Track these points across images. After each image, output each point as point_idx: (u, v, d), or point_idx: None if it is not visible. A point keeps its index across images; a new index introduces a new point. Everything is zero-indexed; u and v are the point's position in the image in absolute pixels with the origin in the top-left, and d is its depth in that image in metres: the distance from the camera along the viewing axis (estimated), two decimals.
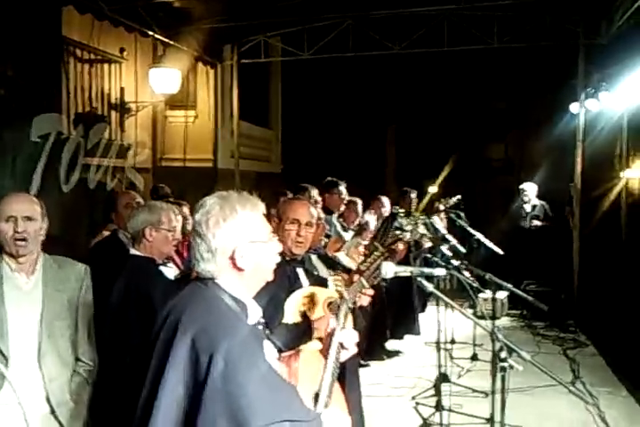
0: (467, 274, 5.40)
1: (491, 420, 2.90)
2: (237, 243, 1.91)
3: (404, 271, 2.58)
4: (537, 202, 9.92)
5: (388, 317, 6.61)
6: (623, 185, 11.21)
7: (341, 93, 13.07)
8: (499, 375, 2.46)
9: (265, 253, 1.98)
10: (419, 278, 2.61)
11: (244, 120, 10.80)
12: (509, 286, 4.36)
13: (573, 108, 9.06)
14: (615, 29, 8.02)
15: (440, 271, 2.72)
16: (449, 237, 6.75)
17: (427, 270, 2.69)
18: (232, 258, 1.92)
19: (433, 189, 10.26)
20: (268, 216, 2.19)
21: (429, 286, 2.60)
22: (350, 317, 2.53)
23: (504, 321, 8.61)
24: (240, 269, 1.94)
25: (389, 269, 2.51)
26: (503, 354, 2.42)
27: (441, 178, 12.17)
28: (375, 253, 2.64)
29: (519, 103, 15.02)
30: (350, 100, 13.30)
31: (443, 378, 5.56)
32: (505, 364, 2.40)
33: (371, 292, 2.64)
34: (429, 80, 13.12)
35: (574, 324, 8.16)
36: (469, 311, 8.24)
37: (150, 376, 1.83)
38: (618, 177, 11.06)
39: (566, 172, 9.42)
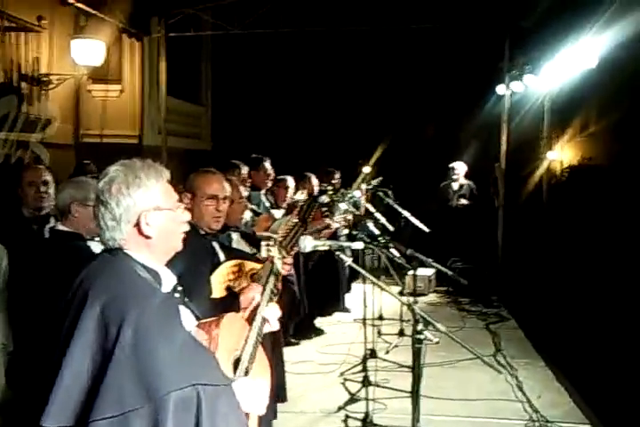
0: (394, 252, 5.45)
1: (412, 392, 2.95)
2: (142, 210, 1.88)
3: (323, 245, 2.57)
4: (464, 181, 10.15)
5: (315, 294, 6.63)
6: (546, 166, 11.65)
7: (274, 69, 12.90)
8: (415, 347, 2.47)
9: (171, 221, 1.95)
10: (337, 252, 2.62)
11: (172, 96, 10.48)
12: (430, 261, 4.43)
13: (499, 89, 9.28)
14: (539, 14, 8.24)
15: (358, 245, 2.72)
16: (377, 214, 6.83)
17: (345, 244, 2.70)
18: (137, 225, 1.89)
19: (367, 170, 10.32)
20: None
21: (348, 260, 2.61)
22: (273, 289, 2.50)
23: (431, 297, 8.84)
24: (147, 237, 1.90)
25: (307, 244, 2.49)
26: (420, 327, 2.45)
27: (374, 158, 12.27)
28: (290, 223, 2.62)
29: (449, 84, 15.28)
30: (283, 77, 13.15)
31: (370, 354, 5.64)
32: (421, 336, 2.44)
33: (290, 260, 2.62)
34: (365, 58, 13.13)
35: (497, 299, 8.47)
36: (397, 288, 8.42)
37: (57, 350, 1.76)
38: (541, 158, 11.47)
39: (493, 152, 9.69)
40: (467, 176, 10.18)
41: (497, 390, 5.24)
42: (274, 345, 3.62)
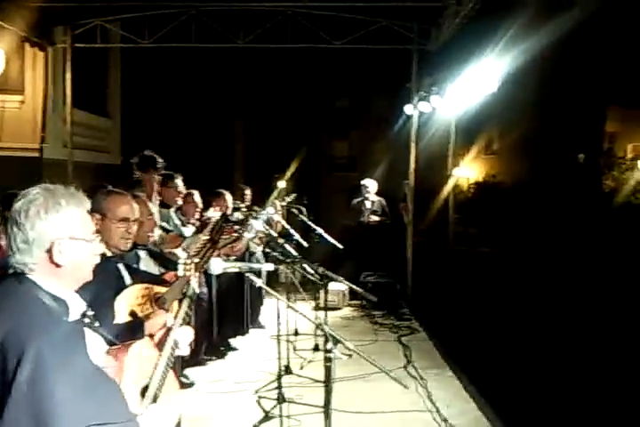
0: (307, 268, 5.48)
1: (325, 408, 2.98)
2: (57, 237, 1.82)
3: (233, 267, 2.58)
4: (375, 198, 10.39)
5: (228, 313, 6.55)
6: (453, 183, 12.13)
7: (186, 84, 12.75)
8: (326, 365, 2.52)
9: (85, 253, 1.91)
10: (247, 274, 2.63)
11: (79, 108, 10.12)
12: (341, 278, 4.50)
13: (407, 109, 9.59)
14: (444, 37, 8.65)
15: (268, 267, 2.75)
16: (291, 231, 6.87)
17: (256, 266, 2.72)
18: (49, 252, 1.83)
19: (282, 184, 10.36)
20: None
21: (258, 282, 2.63)
22: (187, 310, 2.47)
23: (346, 311, 8.94)
24: (57, 266, 1.84)
25: (217, 266, 2.50)
26: (329, 345, 2.50)
27: (289, 173, 12.34)
28: (201, 241, 2.61)
29: (361, 103, 15.69)
30: (196, 92, 13.02)
31: (285, 370, 5.62)
32: (331, 354, 2.48)
33: (201, 279, 2.60)
34: (276, 76, 13.24)
35: (409, 312, 8.69)
36: (313, 303, 8.46)
37: None
38: (448, 175, 11.94)
39: (403, 170, 10.00)
40: (378, 193, 10.43)
41: (408, 401, 5.35)
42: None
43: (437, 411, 5.11)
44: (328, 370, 2.52)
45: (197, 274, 2.61)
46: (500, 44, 8.48)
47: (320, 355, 6.49)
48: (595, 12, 19.95)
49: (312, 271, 5.38)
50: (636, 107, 19.10)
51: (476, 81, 8.60)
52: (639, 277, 10.64)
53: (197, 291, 2.50)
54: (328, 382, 2.66)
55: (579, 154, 19.50)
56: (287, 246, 5.54)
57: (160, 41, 9.06)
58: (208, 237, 2.74)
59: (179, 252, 4.43)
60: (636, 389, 5.88)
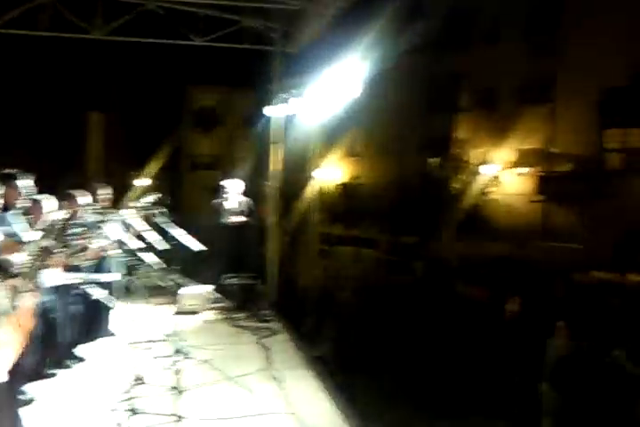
0: (161, 274, 5.31)
1: (177, 415, 2.88)
2: None
3: (74, 279, 2.40)
4: (242, 198, 10.27)
5: (74, 322, 6.14)
6: (317, 185, 12.31)
7: (36, 76, 11.85)
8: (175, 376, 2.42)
9: None
10: (84, 286, 2.46)
11: None
12: (193, 284, 4.39)
13: (267, 111, 9.56)
14: (305, 39, 8.76)
15: (114, 277, 2.59)
16: (150, 233, 6.59)
17: (99, 277, 2.55)
18: None
19: (141, 183, 9.95)
20: None
21: (96, 294, 2.47)
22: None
23: (208, 314, 8.76)
24: None
25: (50, 278, 2.31)
26: (178, 356, 2.41)
27: (148, 172, 11.89)
28: (38, 249, 2.41)
29: (226, 101, 15.51)
30: (46, 84, 12.14)
31: (137, 379, 5.38)
32: (176, 366, 2.40)
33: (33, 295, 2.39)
34: (138, 69, 12.71)
35: (270, 314, 8.70)
36: (174, 307, 8.22)
37: None
38: (313, 177, 12.09)
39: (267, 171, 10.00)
40: (245, 193, 10.33)
41: (267, 403, 5.34)
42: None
43: (295, 413, 5.14)
44: (178, 380, 2.42)
45: (30, 285, 2.41)
46: (362, 48, 8.72)
47: (178, 361, 6.31)
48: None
49: (165, 277, 5.21)
50: (481, 113, 20.65)
51: (338, 84, 8.77)
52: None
53: (31, 302, 2.30)
54: (179, 392, 2.57)
55: (431, 158, 20.75)
56: (145, 251, 5.30)
57: (7, 27, 8.35)
58: (45, 245, 2.53)
59: (15, 258, 4.07)
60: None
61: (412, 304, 10.52)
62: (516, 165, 20.58)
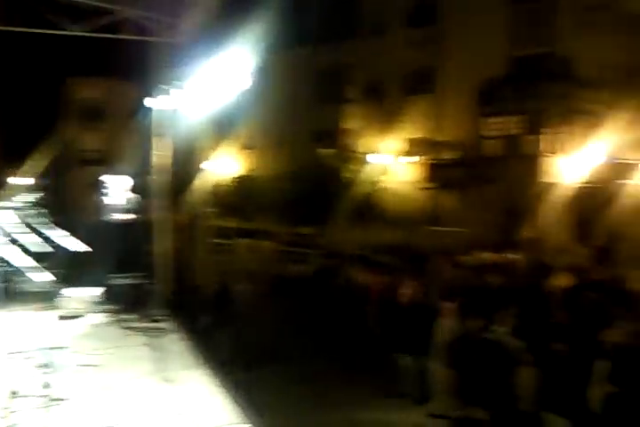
0: (44, 275, 5.00)
1: None
2: None
3: None
4: (129, 195, 9.92)
5: None
6: (207, 178, 12.07)
7: None
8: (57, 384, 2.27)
9: None
10: None
11: None
12: (75, 286, 4.18)
13: (149, 103, 9.22)
14: (190, 31, 8.51)
15: None
16: (23, 237, 6.21)
17: None
18: None
19: (19, 181, 9.31)
20: None
21: None
22: None
23: (97, 317, 8.38)
24: None
25: None
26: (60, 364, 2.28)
27: (29, 169, 11.14)
28: None
29: (110, 94, 14.84)
30: None
31: (13, 392, 5.04)
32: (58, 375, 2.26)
33: None
34: (7, 62, 11.84)
35: (163, 313, 8.45)
36: (57, 312, 7.79)
37: None
38: (201, 170, 11.85)
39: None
40: (134, 190, 9.97)
41: (160, 406, 5.20)
42: None
43: (191, 410, 5.05)
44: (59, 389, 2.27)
45: None
46: (249, 39, 8.60)
47: (59, 369, 5.99)
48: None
49: (45, 281, 4.93)
50: (369, 104, 21.17)
51: (225, 76, 8.61)
52: None
53: None
54: (59, 400, 2.42)
55: (324, 149, 20.98)
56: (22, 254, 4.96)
57: None
58: None
59: None
60: None
61: (309, 295, 10.59)
62: (406, 153, 21.27)
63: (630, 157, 21.15)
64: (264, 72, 12.34)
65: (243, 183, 22.63)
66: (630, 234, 20.05)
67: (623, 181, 20.68)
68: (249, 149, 24.49)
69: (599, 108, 19.18)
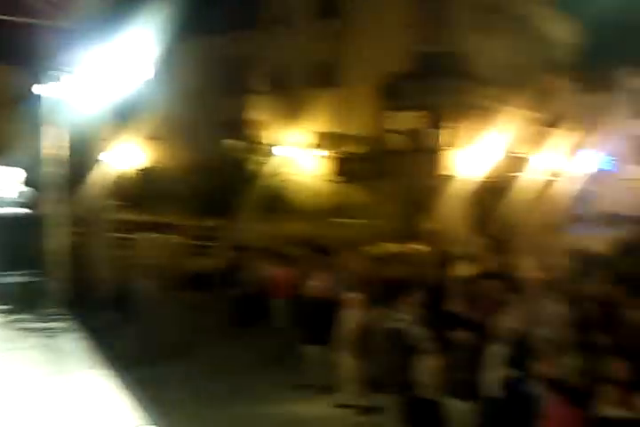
0: None
1: None
2: None
3: None
4: (23, 188, 9.34)
5: None
6: (107, 170, 11.59)
7: None
8: None
9: None
10: None
11: None
12: None
13: (38, 90, 8.60)
14: (85, 15, 8.08)
15: None
16: None
17: None
18: None
19: None
20: None
21: None
22: None
23: None
24: None
25: None
26: None
27: None
28: None
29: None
30: None
31: None
32: None
33: None
34: None
35: (59, 312, 8.03)
36: None
37: None
38: (100, 162, 11.37)
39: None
40: (27, 183, 9.39)
41: (64, 406, 4.98)
42: None
43: (90, 415, 4.85)
44: None
45: None
46: (153, 27, 8.29)
47: None
48: None
49: None
50: (276, 96, 21.13)
51: (125, 64, 8.26)
52: None
53: None
54: None
55: (230, 140, 20.76)
56: None
57: None
58: None
59: None
60: None
61: (215, 288, 10.46)
62: (314, 146, 21.41)
63: (522, 150, 22.46)
64: (170, 61, 11.98)
65: (147, 175, 21.95)
66: (523, 224, 21.30)
67: (516, 174, 21.93)
68: (154, 139, 23.76)
69: (493, 104, 20.18)
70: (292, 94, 21.52)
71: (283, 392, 6.65)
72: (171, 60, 12.60)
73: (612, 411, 4.20)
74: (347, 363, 6.48)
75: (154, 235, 14.61)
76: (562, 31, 26.79)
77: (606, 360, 4.57)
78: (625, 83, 32.22)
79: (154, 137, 23.53)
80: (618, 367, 4.41)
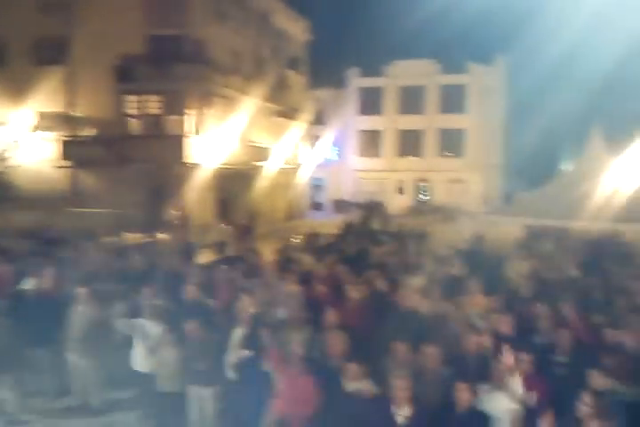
0: None
1: None
2: None
3: None
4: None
5: None
6: None
7: None
8: None
9: None
10: None
11: None
12: None
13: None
14: None
15: None
16: None
17: None
18: None
19: None
20: None
21: None
22: None
23: None
24: None
25: None
26: None
27: None
28: None
29: None
30: None
31: None
32: None
33: None
34: None
35: None
36: None
37: None
38: None
39: None
40: None
41: None
42: None
43: None
44: None
45: None
46: None
47: None
48: None
49: None
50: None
51: None
52: None
53: None
54: None
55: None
56: None
57: None
58: None
59: None
60: None
61: None
62: (38, 128, 19.37)
63: (262, 140, 23.25)
64: None
65: None
66: (264, 211, 22.13)
67: (258, 163, 22.59)
68: None
69: (235, 93, 20.48)
70: (12, 70, 19.22)
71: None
72: None
73: (351, 385, 4.52)
74: (77, 363, 6.01)
75: None
76: (297, 29, 28.31)
77: (331, 334, 4.94)
78: (354, 82, 35.51)
79: None
80: (337, 341, 4.80)
